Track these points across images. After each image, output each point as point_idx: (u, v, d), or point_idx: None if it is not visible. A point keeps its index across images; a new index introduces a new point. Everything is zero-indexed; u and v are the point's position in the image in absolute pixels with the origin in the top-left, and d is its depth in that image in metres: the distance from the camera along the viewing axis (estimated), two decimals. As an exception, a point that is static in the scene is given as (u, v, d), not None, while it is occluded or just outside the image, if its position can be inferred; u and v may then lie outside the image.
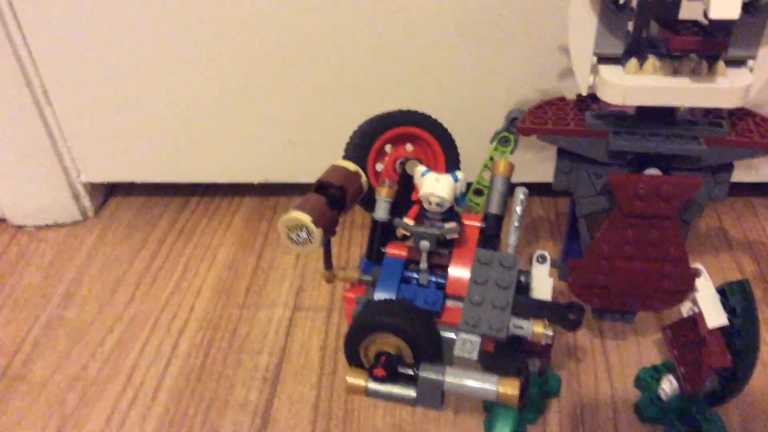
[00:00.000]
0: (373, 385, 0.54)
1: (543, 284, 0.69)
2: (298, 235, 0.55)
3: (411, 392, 0.53)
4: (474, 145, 0.74)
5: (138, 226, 1.14)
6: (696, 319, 0.70)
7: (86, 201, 1.15)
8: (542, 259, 0.69)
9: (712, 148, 0.59)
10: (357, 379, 0.54)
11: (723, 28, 0.55)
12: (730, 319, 0.70)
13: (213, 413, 0.82)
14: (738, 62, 0.56)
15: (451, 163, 0.65)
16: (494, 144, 0.68)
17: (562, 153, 0.65)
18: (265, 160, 1.07)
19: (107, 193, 1.22)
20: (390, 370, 0.52)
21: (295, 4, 0.89)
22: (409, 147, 0.67)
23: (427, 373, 0.52)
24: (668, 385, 0.78)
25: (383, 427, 0.80)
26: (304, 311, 0.95)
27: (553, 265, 0.69)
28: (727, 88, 0.54)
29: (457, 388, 0.52)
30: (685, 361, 0.74)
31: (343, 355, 0.67)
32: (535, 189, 1.13)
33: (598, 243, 0.65)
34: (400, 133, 0.65)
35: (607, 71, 0.56)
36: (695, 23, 0.57)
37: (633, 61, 0.55)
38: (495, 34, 0.87)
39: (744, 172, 1.01)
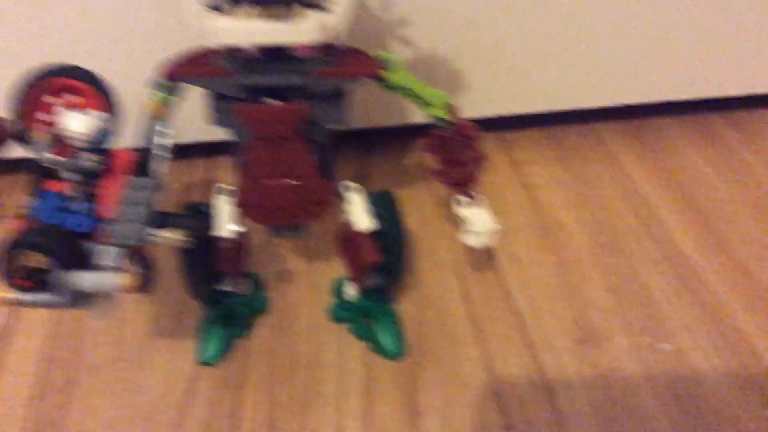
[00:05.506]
0: (12, 296, 0.62)
1: (223, 212, 0.81)
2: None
3: (45, 297, 0.62)
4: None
5: None
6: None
7: None
8: (220, 191, 0.81)
9: (316, 79, 0.71)
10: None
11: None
12: (381, 224, 0.84)
13: None
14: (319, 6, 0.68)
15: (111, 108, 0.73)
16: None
17: (208, 94, 0.76)
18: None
19: None
20: (27, 278, 0.61)
21: None
22: (71, 97, 0.74)
23: (57, 277, 0.61)
24: (350, 289, 0.93)
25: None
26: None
27: (230, 195, 0.81)
28: (304, 26, 0.66)
29: (81, 281, 0.62)
30: (351, 264, 0.88)
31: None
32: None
33: (244, 166, 0.76)
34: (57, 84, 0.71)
35: (209, 18, 0.66)
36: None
37: (230, 8, 0.66)
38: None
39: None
